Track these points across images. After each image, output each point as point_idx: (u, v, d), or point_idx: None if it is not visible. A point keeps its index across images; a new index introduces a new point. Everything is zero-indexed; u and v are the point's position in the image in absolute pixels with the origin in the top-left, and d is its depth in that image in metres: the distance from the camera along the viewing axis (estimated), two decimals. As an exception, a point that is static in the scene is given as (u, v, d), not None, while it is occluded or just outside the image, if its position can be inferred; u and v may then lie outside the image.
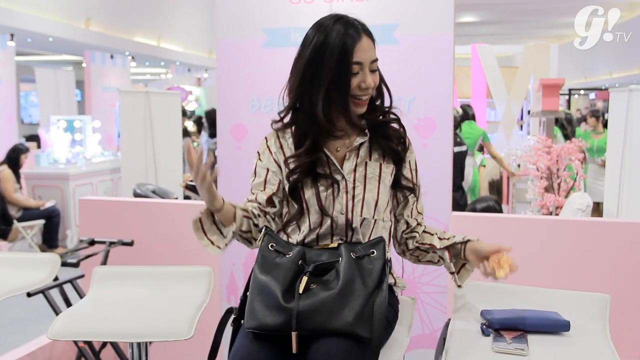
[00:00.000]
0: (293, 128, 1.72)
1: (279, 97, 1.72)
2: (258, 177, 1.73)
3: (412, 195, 1.75)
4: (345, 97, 1.62)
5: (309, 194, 1.67)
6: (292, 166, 1.68)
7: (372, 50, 1.64)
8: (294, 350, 1.43)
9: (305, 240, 1.67)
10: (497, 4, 10.37)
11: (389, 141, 1.71)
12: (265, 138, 1.77)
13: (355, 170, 1.68)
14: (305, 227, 1.68)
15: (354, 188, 1.67)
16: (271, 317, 1.46)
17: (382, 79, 1.71)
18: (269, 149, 1.74)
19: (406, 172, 1.74)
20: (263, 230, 1.63)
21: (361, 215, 1.66)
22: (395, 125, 1.75)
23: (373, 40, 1.65)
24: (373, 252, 1.56)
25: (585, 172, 6.20)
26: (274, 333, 1.46)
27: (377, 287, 1.50)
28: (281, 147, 1.73)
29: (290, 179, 1.68)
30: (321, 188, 1.67)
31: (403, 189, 1.73)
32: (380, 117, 1.73)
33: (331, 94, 1.61)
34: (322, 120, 1.63)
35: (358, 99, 1.64)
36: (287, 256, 1.56)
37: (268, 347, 1.46)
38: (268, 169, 1.72)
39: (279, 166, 1.72)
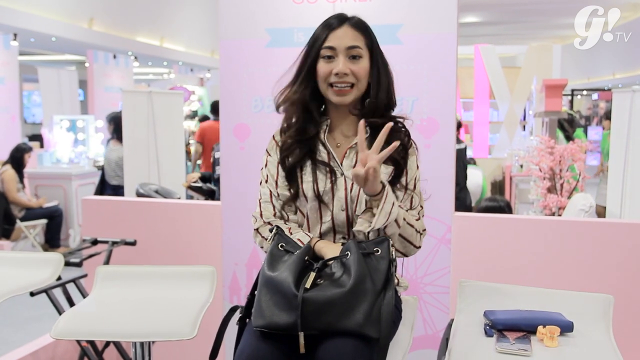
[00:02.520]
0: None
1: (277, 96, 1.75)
2: (270, 178, 1.75)
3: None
4: (315, 81, 1.68)
5: (306, 179, 1.69)
6: (287, 145, 1.72)
7: (350, 37, 1.66)
8: (301, 351, 1.43)
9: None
10: (500, 4, 10.36)
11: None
12: (273, 135, 1.80)
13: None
14: (303, 215, 1.71)
15: (352, 185, 1.68)
16: (279, 316, 1.46)
17: (383, 80, 1.71)
18: (277, 144, 1.76)
19: (402, 178, 1.72)
20: (274, 230, 1.63)
21: (356, 213, 1.67)
22: (400, 132, 1.73)
23: (363, 32, 1.68)
24: (378, 251, 1.55)
25: (604, 178, 6.09)
26: (282, 332, 1.46)
27: (384, 287, 1.50)
28: None
29: (286, 161, 1.71)
30: (319, 175, 1.69)
31: (395, 191, 1.73)
32: (381, 120, 1.72)
33: (307, 79, 1.68)
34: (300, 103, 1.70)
35: (336, 88, 1.67)
36: (295, 254, 1.57)
37: (275, 345, 1.47)
38: (279, 163, 1.74)
39: None
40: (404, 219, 1.63)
